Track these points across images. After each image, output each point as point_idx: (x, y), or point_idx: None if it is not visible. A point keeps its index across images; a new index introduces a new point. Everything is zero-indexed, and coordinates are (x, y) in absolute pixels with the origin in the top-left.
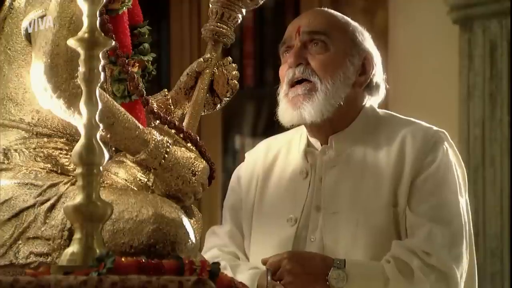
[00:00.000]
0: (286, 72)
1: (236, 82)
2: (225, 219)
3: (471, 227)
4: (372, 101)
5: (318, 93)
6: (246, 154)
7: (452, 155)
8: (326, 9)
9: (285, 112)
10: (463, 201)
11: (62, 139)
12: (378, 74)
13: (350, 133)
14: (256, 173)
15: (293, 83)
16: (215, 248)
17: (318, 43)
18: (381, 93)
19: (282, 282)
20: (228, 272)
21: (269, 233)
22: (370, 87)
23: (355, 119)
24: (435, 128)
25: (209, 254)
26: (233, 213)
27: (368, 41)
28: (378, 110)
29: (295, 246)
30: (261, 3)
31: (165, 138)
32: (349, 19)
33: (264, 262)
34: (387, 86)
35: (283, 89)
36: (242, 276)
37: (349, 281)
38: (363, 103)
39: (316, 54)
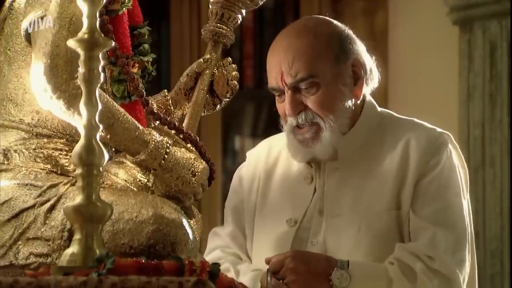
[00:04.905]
0: (288, 119)
1: (236, 83)
2: (227, 220)
3: (472, 228)
4: (369, 89)
5: (325, 132)
6: (248, 154)
7: (456, 157)
8: (297, 28)
9: (296, 151)
10: (465, 203)
11: (62, 140)
12: (367, 62)
13: (353, 136)
14: (258, 174)
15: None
16: (218, 249)
17: (307, 85)
18: (375, 77)
19: (285, 281)
20: (232, 274)
21: (268, 233)
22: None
23: (358, 121)
24: (439, 130)
25: (212, 255)
26: (235, 214)
27: (345, 42)
28: (379, 109)
29: (294, 247)
30: (261, 3)
31: (165, 138)
32: (322, 29)
33: (268, 261)
34: (380, 73)
35: (287, 124)
36: (244, 278)
37: (352, 282)
38: (363, 100)
39: (309, 96)
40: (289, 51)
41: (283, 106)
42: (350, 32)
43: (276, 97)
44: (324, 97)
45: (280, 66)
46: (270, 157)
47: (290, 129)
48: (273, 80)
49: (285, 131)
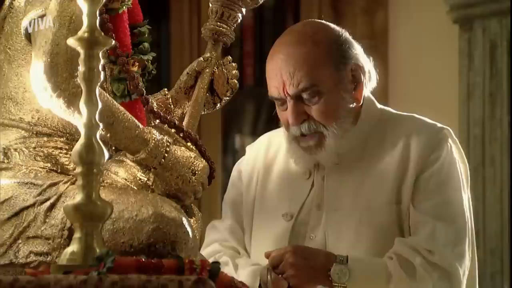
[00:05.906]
0: (291, 128)
1: (236, 82)
2: (226, 213)
3: (473, 224)
4: (368, 90)
5: (328, 139)
6: (247, 148)
7: (456, 152)
8: (296, 35)
9: (299, 158)
10: (466, 197)
11: (62, 138)
12: (366, 65)
13: (354, 133)
14: (257, 168)
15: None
16: (216, 243)
17: (310, 95)
18: (374, 77)
19: (284, 276)
20: (230, 268)
21: (266, 228)
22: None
23: (358, 120)
24: (439, 125)
25: (210, 248)
26: (234, 208)
27: (343, 47)
28: (378, 105)
29: (291, 241)
30: (261, 2)
31: (165, 137)
32: (320, 36)
33: (267, 256)
34: (377, 75)
35: (289, 132)
36: (243, 272)
37: (352, 277)
38: (363, 101)
39: (312, 105)
40: (289, 60)
41: (285, 114)
42: (347, 35)
43: (277, 105)
44: (326, 105)
45: (281, 75)
46: (269, 151)
47: (293, 138)
48: (274, 89)
49: (287, 138)
